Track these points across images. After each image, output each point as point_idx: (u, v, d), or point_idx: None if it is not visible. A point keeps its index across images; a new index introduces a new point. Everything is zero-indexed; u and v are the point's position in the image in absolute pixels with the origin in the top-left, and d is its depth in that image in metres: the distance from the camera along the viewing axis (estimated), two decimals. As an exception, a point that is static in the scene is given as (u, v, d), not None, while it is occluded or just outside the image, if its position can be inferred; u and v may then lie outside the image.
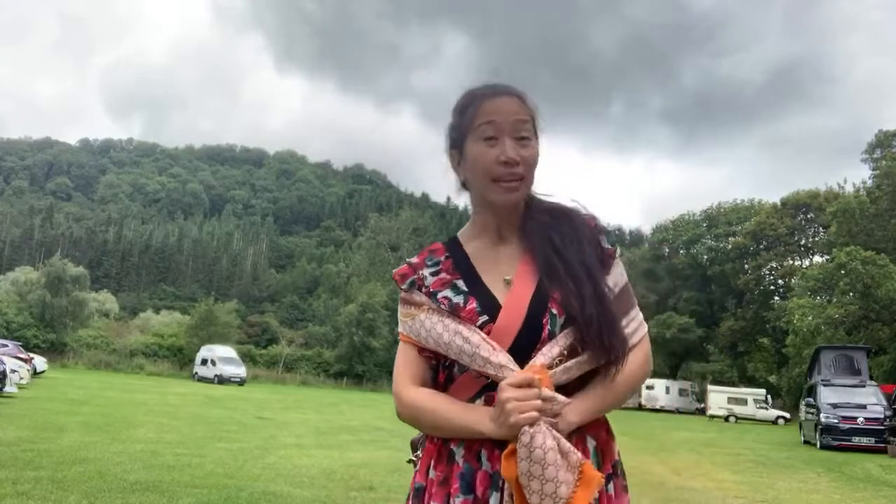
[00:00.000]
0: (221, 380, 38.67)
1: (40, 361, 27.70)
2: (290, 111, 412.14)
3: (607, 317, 1.32)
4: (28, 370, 20.76)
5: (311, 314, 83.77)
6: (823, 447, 17.84)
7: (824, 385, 19.81)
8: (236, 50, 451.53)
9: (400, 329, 1.46)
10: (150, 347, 48.75)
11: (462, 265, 1.43)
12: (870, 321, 32.52)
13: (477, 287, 1.39)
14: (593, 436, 1.34)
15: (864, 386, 19.90)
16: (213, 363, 40.50)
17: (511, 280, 1.38)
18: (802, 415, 21.90)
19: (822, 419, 18.41)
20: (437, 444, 1.36)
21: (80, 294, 47.69)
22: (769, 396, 40.68)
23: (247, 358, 47.41)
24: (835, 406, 18.58)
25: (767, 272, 51.62)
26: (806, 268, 42.65)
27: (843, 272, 31.21)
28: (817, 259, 45.18)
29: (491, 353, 1.29)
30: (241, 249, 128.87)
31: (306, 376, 49.75)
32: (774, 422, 36.80)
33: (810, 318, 33.79)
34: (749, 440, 20.47)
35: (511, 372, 1.27)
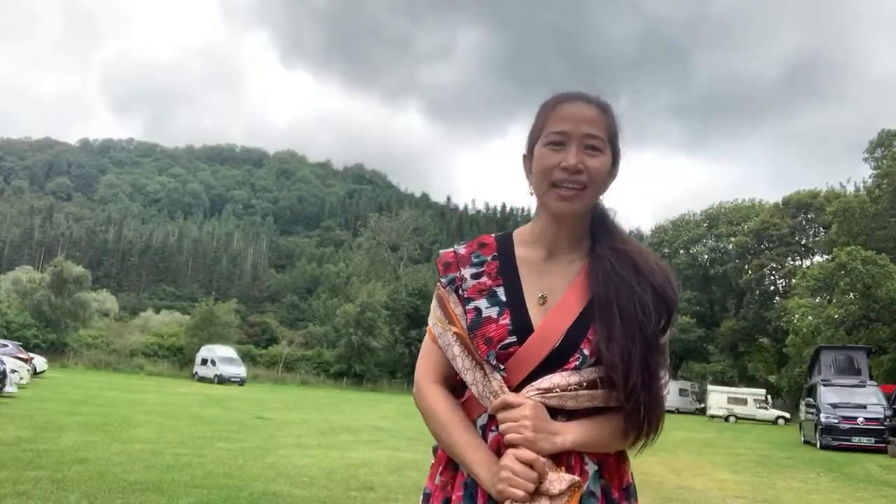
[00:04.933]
0: (221, 380, 38.66)
1: (40, 361, 27.69)
2: (292, 109, 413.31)
3: (652, 393, 1.27)
4: (28, 370, 20.76)
5: (311, 314, 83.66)
6: (823, 447, 17.82)
7: (824, 385, 19.80)
8: (240, 47, 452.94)
9: (430, 323, 1.42)
10: (150, 347, 48.73)
11: (508, 271, 1.38)
12: (870, 321, 32.51)
13: (516, 301, 1.34)
14: (596, 460, 1.29)
15: (864, 386, 19.89)
16: (213, 363, 40.48)
17: (550, 300, 1.33)
18: (802, 415, 21.90)
19: (822, 419, 18.40)
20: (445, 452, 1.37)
21: (81, 294, 47.68)
22: (769, 396, 40.67)
23: (247, 358, 47.38)
24: (835, 406, 18.57)
25: (768, 272, 51.59)
26: (807, 268, 42.63)
27: (843, 272, 31.18)
28: (818, 259, 45.13)
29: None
30: (241, 249, 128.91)
31: (306, 376, 49.72)
32: (774, 422, 36.79)
33: (810, 317, 33.80)
34: (749, 440, 20.47)
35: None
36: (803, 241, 51.78)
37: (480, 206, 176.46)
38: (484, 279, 1.37)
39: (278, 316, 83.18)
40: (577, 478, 1.21)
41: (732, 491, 8.99)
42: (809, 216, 50.50)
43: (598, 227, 1.40)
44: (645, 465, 10.84)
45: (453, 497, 1.31)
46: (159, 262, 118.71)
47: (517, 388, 1.28)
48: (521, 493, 1.18)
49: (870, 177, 39.77)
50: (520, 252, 1.40)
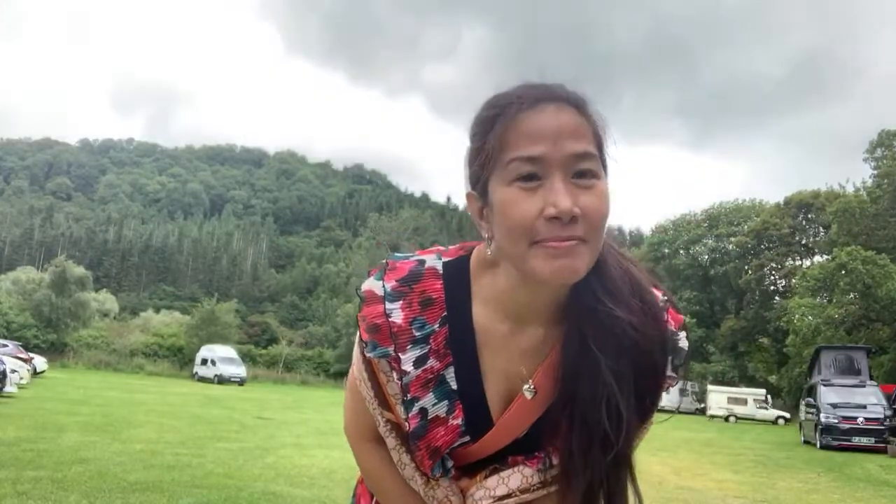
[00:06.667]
0: (221, 380, 38.68)
1: (40, 361, 27.69)
2: (293, 109, 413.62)
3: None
4: (28, 370, 20.75)
5: (311, 314, 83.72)
6: (823, 447, 17.82)
7: (824, 385, 19.81)
8: (241, 46, 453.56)
9: (355, 374, 1.09)
10: (150, 347, 48.75)
11: (460, 343, 1.01)
12: (870, 321, 32.52)
13: (471, 387, 1.02)
14: None
15: (864, 386, 19.90)
16: (213, 363, 40.51)
17: (515, 387, 1.03)
18: (802, 415, 21.91)
19: (822, 419, 18.40)
20: None
21: (81, 294, 47.72)
22: (769, 396, 40.68)
23: (247, 358, 47.43)
24: (835, 406, 18.58)
25: (768, 272, 51.66)
26: (807, 268, 42.64)
27: (843, 272, 31.23)
28: (818, 259, 45.14)
29: None
30: (241, 249, 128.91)
31: (306, 376, 49.78)
32: (774, 422, 36.79)
33: (810, 317, 33.81)
34: (749, 440, 20.47)
35: None
36: (803, 241, 51.81)
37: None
38: (431, 362, 1.00)
39: (278, 316, 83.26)
40: None
41: (732, 491, 8.99)
42: (810, 216, 50.51)
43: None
44: (645, 465, 10.84)
45: None
46: (159, 262, 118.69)
47: (463, 470, 1.08)
48: None
49: (870, 177, 39.83)
50: (478, 311, 1.01)
